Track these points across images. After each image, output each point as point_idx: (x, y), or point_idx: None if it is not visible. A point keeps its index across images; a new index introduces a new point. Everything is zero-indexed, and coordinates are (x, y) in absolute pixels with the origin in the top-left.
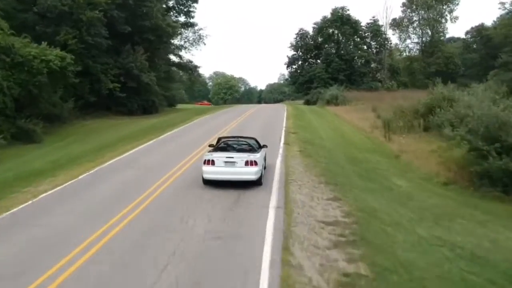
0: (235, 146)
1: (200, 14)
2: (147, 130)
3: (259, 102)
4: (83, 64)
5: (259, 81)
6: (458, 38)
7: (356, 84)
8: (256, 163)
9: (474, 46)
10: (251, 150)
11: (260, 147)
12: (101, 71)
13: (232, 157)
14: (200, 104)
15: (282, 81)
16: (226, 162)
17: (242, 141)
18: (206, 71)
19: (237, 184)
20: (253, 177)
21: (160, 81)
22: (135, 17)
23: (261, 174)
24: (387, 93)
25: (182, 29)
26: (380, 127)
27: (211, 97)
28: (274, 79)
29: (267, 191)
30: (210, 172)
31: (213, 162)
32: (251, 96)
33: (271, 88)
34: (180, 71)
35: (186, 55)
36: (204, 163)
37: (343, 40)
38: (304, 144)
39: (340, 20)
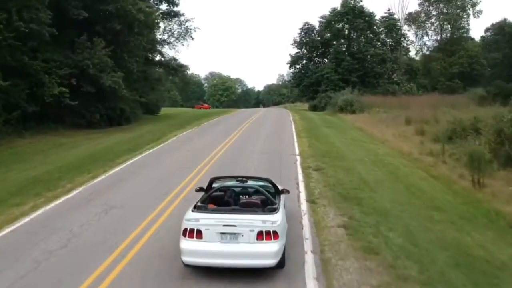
0: (238, 191)
1: (194, 10)
2: (90, 160)
3: (256, 104)
4: (14, 60)
5: (257, 82)
6: (470, 37)
7: (370, 86)
8: (276, 235)
9: (494, 45)
10: (266, 204)
11: (278, 193)
12: (44, 70)
13: (235, 225)
14: (200, 107)
15: (280, 82)
16: (223, 233)
17: (249, 185)
18: (201, 71)
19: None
20: (271, 262)
21: (134, 84)
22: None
23: (284, 251)
24: (408, 98)
25: (164, 20)
26: (438, 153)
27: (207, 99)
28: (272, 80)
29: None
30: (195, 253)
31: (199, 234)
32: (249, 98)
33: (269, 89)
34: (164, 71)
35: (170, 52)
36: (184, 234)
37: (354, 36)
38: (345, 202)
39: (352, 12)
